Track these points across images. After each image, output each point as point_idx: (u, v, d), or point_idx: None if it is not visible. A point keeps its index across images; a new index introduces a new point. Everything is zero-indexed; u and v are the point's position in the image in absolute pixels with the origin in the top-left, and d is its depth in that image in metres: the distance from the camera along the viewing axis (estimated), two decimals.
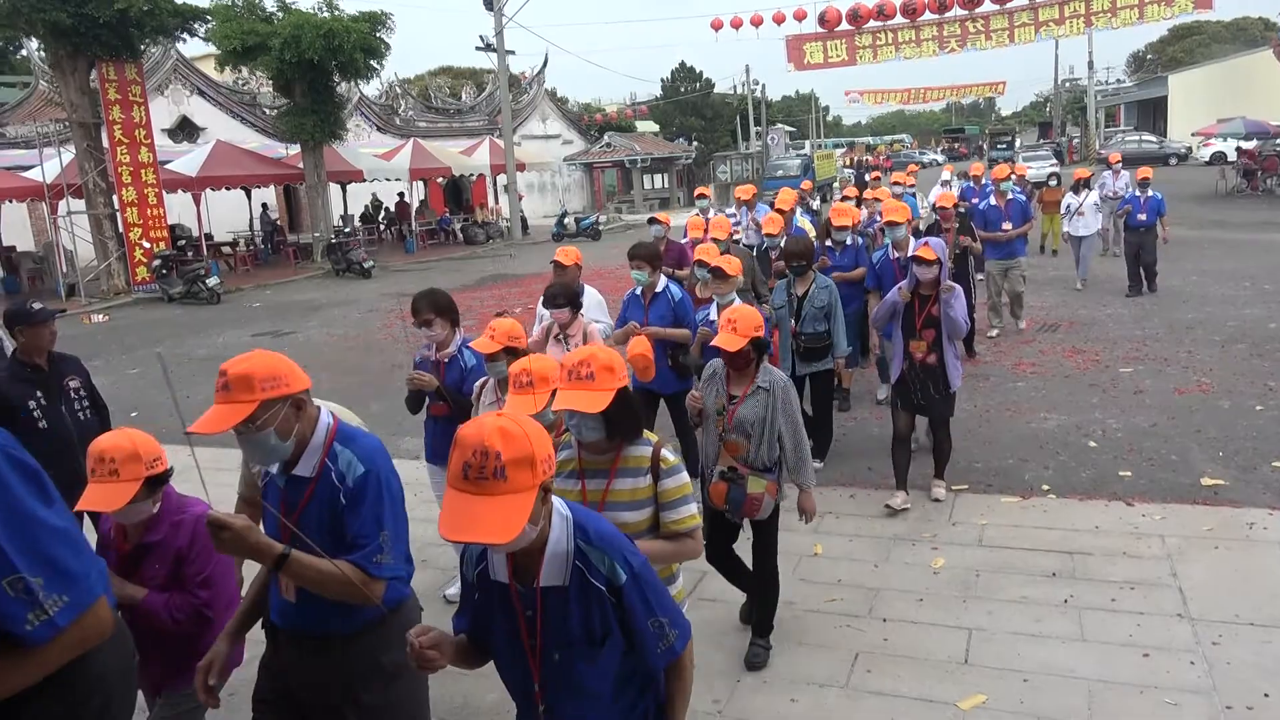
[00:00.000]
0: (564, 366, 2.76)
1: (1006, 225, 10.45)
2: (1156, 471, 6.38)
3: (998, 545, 5.40)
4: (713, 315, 5.65)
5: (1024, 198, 10.99)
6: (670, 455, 2.91)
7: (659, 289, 6.14)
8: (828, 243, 8.35)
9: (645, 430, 2.95)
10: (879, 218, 9.21)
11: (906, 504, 5.95)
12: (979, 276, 10.75)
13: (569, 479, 2.92)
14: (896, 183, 13.46)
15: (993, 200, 10.84)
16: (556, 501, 2.17)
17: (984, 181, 13.65)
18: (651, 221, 9.42)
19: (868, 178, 18.51)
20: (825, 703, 3.97)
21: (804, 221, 10.28)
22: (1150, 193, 12.42)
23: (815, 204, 16.88)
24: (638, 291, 6.21)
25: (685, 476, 2.93)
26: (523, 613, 2.17)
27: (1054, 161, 40.25)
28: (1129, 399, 8.10)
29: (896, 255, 7.52)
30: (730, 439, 4.16)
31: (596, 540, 2.16)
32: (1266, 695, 3.76)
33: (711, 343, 3.84)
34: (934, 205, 10.00)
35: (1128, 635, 4.30)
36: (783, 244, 7.61)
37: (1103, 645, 4.24)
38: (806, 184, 16.77)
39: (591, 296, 6.20)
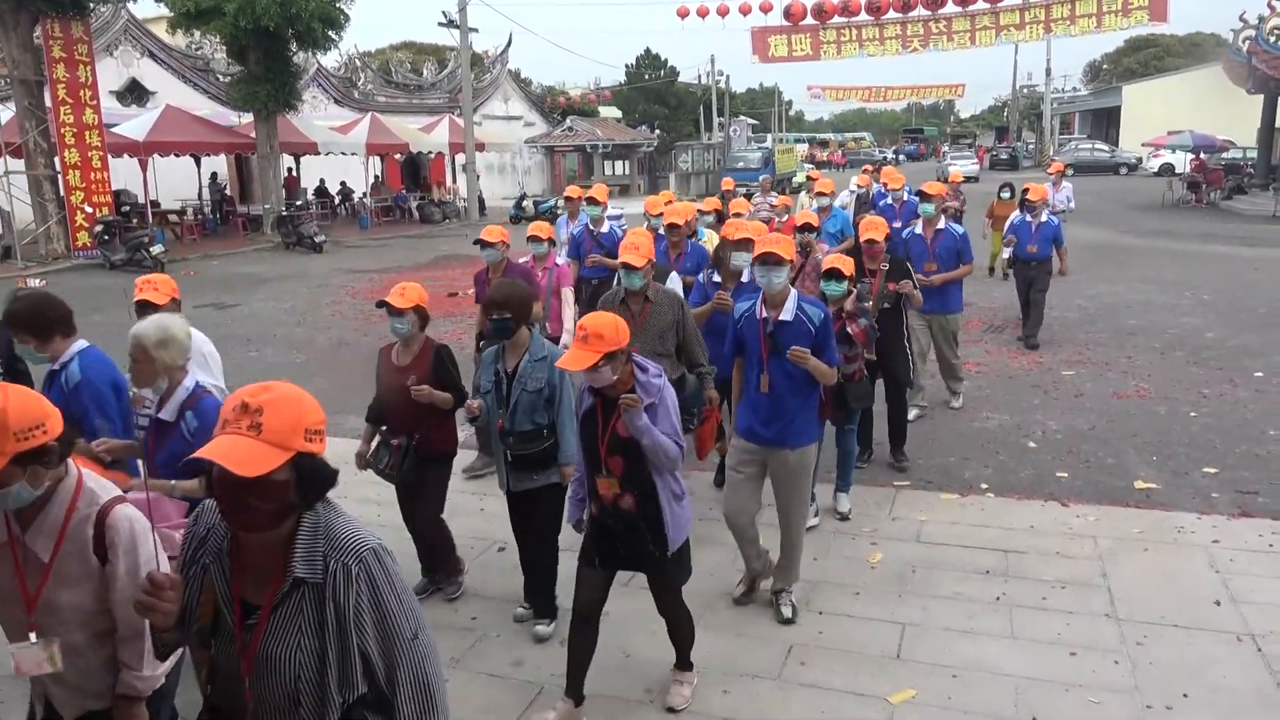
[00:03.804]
0: None
1: (931, 267, 7.57)
2: (1092, 473, 6.49)
3: (935, 542, 5.46)
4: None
5: (960, 229, 7.91)
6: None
7: None
8: (715, 277, 5.82)
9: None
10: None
11: None
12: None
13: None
14: (820, 193, 10.25)
15: (918, 229, 7.87)
16: None
17: (892, 187, 10.89)
18: (482, 245, 6.42)
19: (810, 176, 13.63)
20: (757, 694, 3.97)
21: (710, 237, 7.78)
22: (1045, 218, 9.90)
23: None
24: None
25: None
26: None
27: (975, 163, 41.40)
28: (1069, 401, 8.25)
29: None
30: None
31: None
32: (1186, 695, 3.84)
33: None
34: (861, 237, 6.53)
35: (1056, 634, 4.37)
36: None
37: (1032, 643, 4.30)
38: (728, 181, 13.58)
39: (197, 350, 3.93)
